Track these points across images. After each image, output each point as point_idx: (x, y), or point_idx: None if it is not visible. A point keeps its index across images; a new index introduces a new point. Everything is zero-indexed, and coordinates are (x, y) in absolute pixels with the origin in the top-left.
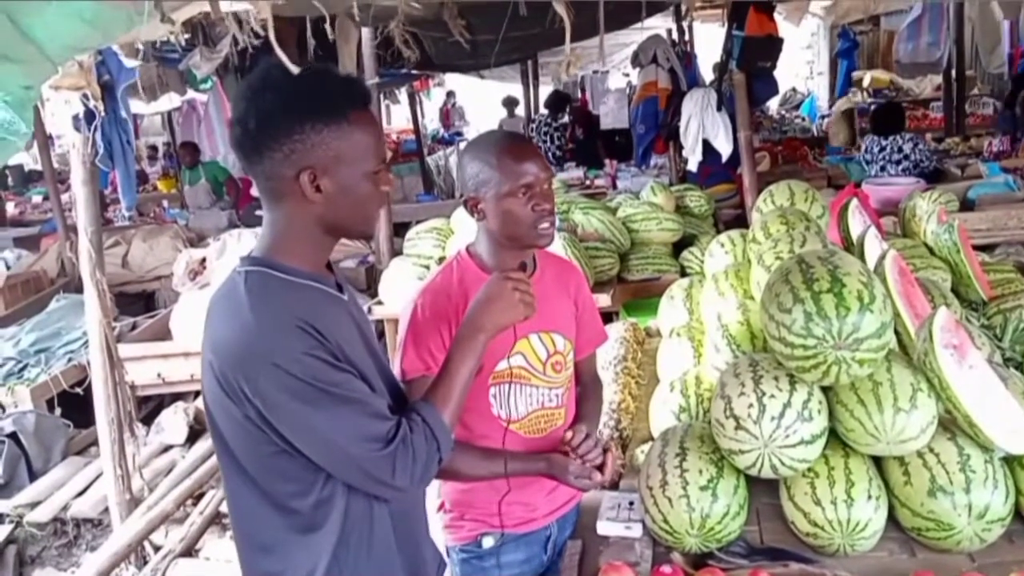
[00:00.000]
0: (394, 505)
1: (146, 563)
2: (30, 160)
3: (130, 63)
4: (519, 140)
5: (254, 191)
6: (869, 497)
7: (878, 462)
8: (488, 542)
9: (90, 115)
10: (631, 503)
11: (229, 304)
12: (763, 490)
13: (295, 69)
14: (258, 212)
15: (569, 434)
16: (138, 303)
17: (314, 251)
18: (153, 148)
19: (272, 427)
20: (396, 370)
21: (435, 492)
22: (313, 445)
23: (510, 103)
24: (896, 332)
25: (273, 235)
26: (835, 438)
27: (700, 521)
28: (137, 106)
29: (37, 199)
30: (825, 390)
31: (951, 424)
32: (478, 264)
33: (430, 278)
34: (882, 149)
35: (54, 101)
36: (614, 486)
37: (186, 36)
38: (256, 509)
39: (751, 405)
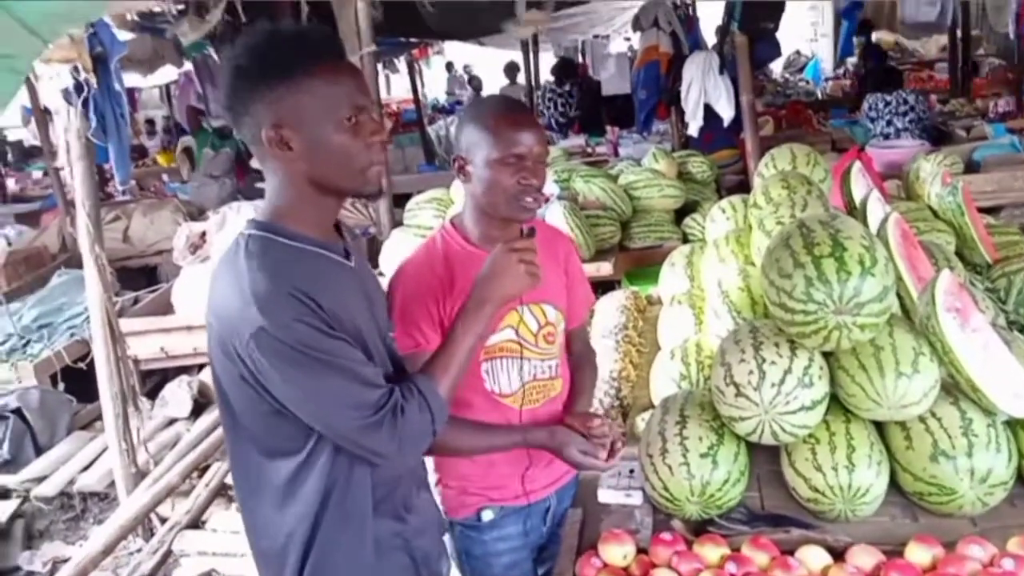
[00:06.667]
0: (384, 471)
1: (152, 535)
2: (30, 136)
3: (123, 35)
4: (519, 108)
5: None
6: (870, 462)
7: (879, 427)
8: (487, 516)
9: (80, 88)
10: (631, 471)
11: (230, 268)
12: (764, 456)
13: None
14: (259, 184)
15: (596, 421)
16: (140, 278)
17: (315, 213)
18: (149, 122)
19: (265, 388)
20: None
21: (431, 467)
22: (301, 408)
23: (511, 69)
24: (898, 296)
25: (274, 199)
26: (836, 404)
27: (700, 488)
28: (135, 79)
29: (37, 174)
30: (826, 355)
31: (953, 388)
32: (463, 236)
33: (414, 252)
34: (887, 104)
35: (45, 75)
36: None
37: (179, 7)
38: (257, 469)
39: (751, 372)
